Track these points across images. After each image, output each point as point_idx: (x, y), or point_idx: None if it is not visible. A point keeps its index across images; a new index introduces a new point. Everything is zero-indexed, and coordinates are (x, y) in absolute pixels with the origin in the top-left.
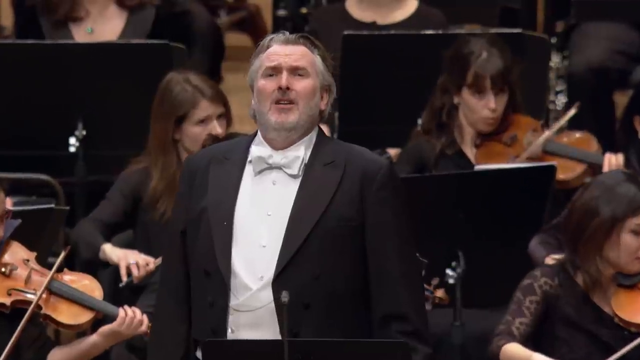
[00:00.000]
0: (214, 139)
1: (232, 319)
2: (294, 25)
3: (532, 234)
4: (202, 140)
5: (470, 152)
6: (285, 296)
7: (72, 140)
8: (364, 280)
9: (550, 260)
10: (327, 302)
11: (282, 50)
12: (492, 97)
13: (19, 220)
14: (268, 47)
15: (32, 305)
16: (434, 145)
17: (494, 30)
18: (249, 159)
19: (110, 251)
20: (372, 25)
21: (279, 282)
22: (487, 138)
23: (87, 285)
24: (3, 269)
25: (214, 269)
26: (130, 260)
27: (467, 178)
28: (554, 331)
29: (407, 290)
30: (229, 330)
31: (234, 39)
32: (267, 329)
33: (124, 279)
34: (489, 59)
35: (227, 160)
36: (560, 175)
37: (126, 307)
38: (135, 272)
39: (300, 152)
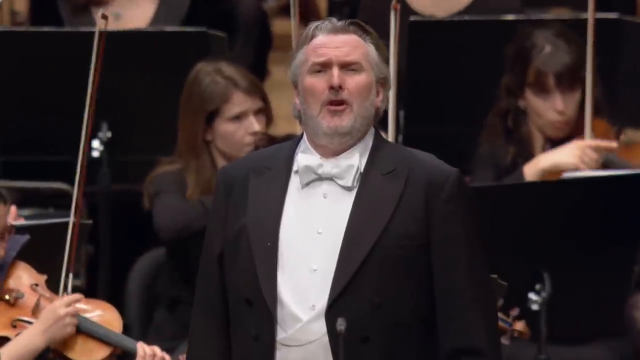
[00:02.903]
0: (270, 139)
1: (279, 355)
2: (352, 11)
3: (632, 252)
4: (236, 139)
5: None
6: (341, 324)
7: (96, 144)
8: (430, 307)
9: None
10: (388, 333)
11: (330, 42)
12: (558, 97)
13: (27, 237)
14: (313, 37)
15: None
16: (508, 151)
17: (585, 16)
18: (294, 168)
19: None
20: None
21: (333, 312)
22: (558, 145)
23: (106, 316)
24: (7, 297)
25: (257, 297)
26: None
27: (553, 188)
28: None
29: (479, 320)
30: None
31: (283, 26)
32: None
33: None
34: (553, 53)
35: (269, 170)
36: None
37: (144, 345)
38: None
39: (354, 160)
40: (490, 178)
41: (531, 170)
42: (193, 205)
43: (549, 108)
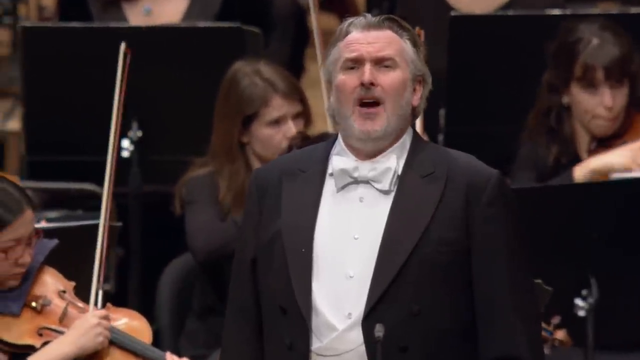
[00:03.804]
0: (304, 138)
1: None
2: (391, 5)
3: None
4: (274, 144)
5: None
6: (379, 330)
7: (126, 143)
8: (471, 315)
9: None
10: (428, 343)
11: (363, 38)
12: (607, 91)
13: (56, 241)
14: (347, 33)
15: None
16: (550, 151)
17: (635, 10)
18: (329, 171)
19: None
20: None
21: (370, 321)
22: (605, 143)
23: (135, 326)
24: (34, 304)
25: (292, 305)
26: None
27: (600, 189)
28: None
29: (522, 328)
30: None
31: (321, 21)
32: None
33: None
34: (601, 46)
35: (303, 173)
36: None
37: (174, 356)
38: None
39: (391, 163)
40: (531, 179)
41: (581, 172)
42: (227, 227)
43: (596, 104)
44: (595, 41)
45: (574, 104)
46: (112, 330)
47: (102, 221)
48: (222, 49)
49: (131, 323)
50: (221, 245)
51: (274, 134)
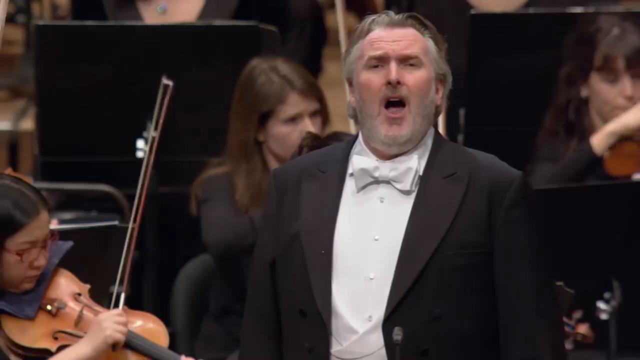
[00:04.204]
0: (315, 138)
1: None
2: (409, 4)
3: None
4: (291, 142)
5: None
6: (398, 333)
7: (140, 144)
8: (492, 319)
9: None
10: (449, 346)
11: (387, 35)
12: (628, 81)
13: (71, 243)
14: (369, 31)
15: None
16: (568, 147)
17: None
18: (349, 171)
19: None
20: None
21: (390, 324)
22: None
23: (152, 329)
24: (49, 307)
25: (311, 308)
26: None
27: (623, 189)
28: None
29: (544, 333)
30: None
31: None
32: None
33: None
34: (621, 36)
35: (323, 173)
36: None
37: (189, 359)
38: None
39: (413, 163)
40: (550, 175)
41: (599, 138)
42: (242, 222)
43: (616, 94)
44: (615, 31)
45: (594, 95)
46: (127, 333)
47: (130, 224)
48: (238, 48)
49: (147, 326)
50: (236, 239)
51: (290, 131)
